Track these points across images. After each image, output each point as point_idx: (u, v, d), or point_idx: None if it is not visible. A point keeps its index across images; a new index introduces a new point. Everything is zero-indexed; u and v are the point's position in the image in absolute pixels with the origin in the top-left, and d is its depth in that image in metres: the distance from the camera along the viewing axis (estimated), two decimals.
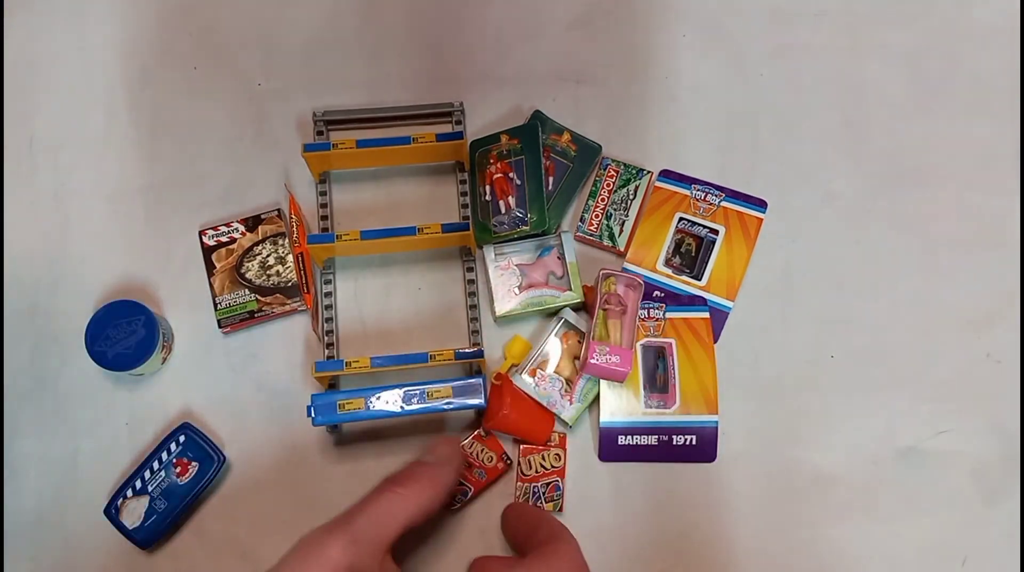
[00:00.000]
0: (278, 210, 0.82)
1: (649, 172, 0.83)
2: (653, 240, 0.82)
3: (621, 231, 0.82)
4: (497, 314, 0.79)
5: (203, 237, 0.81)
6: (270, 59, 0.86)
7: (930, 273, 0.82)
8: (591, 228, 0.82)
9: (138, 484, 0.75)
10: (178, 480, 0.75)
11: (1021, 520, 0.77)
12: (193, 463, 0.76)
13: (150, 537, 0.75)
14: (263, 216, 0.81)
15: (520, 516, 0.70)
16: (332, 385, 0.78)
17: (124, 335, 0.75)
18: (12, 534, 0.77)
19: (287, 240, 0.81)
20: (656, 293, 0.80)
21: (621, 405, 0.78)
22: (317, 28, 0.87)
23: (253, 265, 0.80)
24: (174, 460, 0.76)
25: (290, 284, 0.79)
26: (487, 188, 0.81)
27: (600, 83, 0.86)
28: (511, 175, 0.80)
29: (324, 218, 0.82)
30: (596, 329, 0.76)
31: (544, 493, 0.76)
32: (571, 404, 0.78)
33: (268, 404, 0.79)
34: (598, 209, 0.82)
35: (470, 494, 0.75)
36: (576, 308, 0.80)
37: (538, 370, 0.78)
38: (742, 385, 0.79)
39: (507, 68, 0.86)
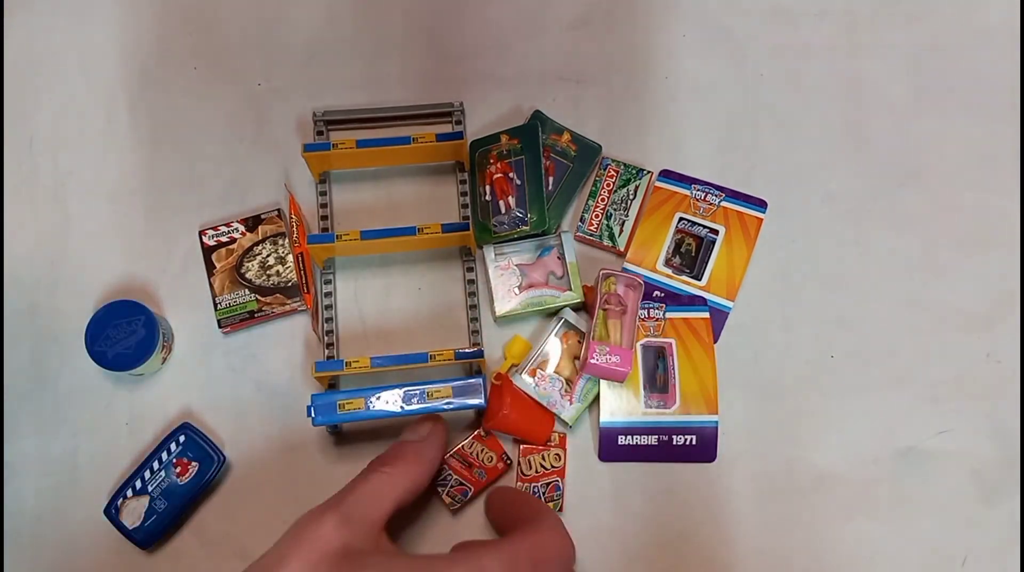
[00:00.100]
0: (278, 210, 0.82)
1: (649, 172, 0.83)
2: (653, 240, 0.82)
3: (621, 231, 0.82)
4: (497, 314, 0.79)
5: (203, 237, 0.81)
6: (270, 59, 0.86)
7: (930, 273, 0.82)
8: (591, 228, 0.82)
9: (138, 484, 0.75)
10: (178, 480, 0.75)
11: (1021, 520, 0.77)
12: (193, 463, 0.76)
13: (150, 537, 0.75)
14: (263, 216, 0.81)
15: (503, 499, 0.72)
16: (332, 385, 0.78)
17: (124, 335, 0.75)
18: (12, 534, 0.77)
19: (287, 240, 0.81)
20: (656, 293, 0.80)
21: (621, 405, 0.78)
22: (317, 28, 0.87)
23: (253, 265, 0.80)
24: (174, 460, 0.76)
25: (290, 284, 0.79)
26: (487, 188, 0.81)
27: (600, 83, 0.86)
28: (511, 175, 0.80)
29: (324, 218, 0.82)
30: (596, 329, 0.76)
31: (544, 493, 0.76)
32: (571, 404, 0.78)
33: (268, 404, 0.79)
34: (598, 209, 0.82)
35: (470, 494, 0.75)
36: (576, 308, 0.80)
37: (538, 370, 0.78)
38: (742, 385, 0.79)
39: (507, 68, 0.86)
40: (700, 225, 0.82)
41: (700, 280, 0.81)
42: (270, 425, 0.79)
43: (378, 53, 0.87)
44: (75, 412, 0.79)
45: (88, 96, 0.85)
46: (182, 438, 0.76)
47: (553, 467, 0.77)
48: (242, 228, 0.81)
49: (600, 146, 0.83)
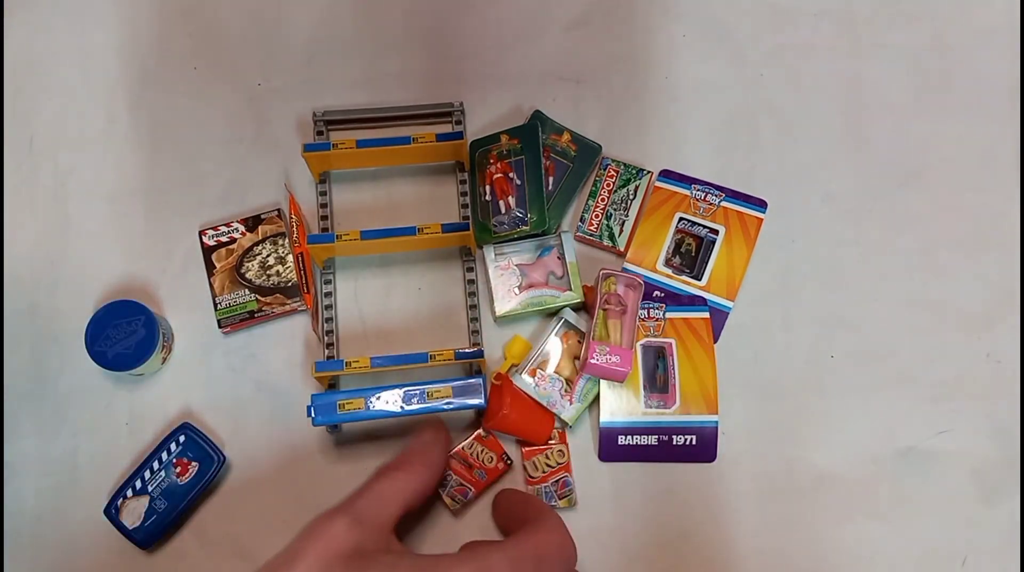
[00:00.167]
0: (278, 210, 0.82)
1: (649, 172, 0.83)
2: (653, 240, 0.82)
3: (621, 231, 0.82)
4: (497, 314, 0.79)
5: (203, 237, 0.81)
6: (270, 59, 0.86)
7: (930, 273, 0.82)
8: (591, 228, 0.82)
9: (138, 484, 0.75)
10: (178, 480, 0.75)
11: (1021, 520, 0.77)
12: (193, 463, 0.76)
13: (150, 537, 0.75)
14: (263, 216, 0.81)
15: (507, 500, 0.73)
16: (332, 385, 0.78)
17: (124, 335, 0.75)
18: (12, 534, 0.77)
19: (287, 240, 0.81)
20: (656, 293, 0.80)
21: (621, 405, 0.78)
22: (317, 28, 0.87)
23: (253, 265, 0.80)
24: (174, 460, 0.76)
25: (290, 284, 0.79)
26: (487, 188, 0.81)
27: (600, 83, 0.86)
28: (511, 175, 0.80)
29: (324, 218, 0.82)
30: (596, 329, 0.76)
31: (556, 491, 0.76)
32: (571, 404, 0.78)
33: (268, 404, 0.79)
34: (598, 209, 0.82)
35: (471, 495, 0.75)
36: (576, 308, 0.80)
37: (538, 370, 0.78)
38: (742, 385, 0.79)
39: (507, 68, 0.86)
40: (700, 225, 0.82)
41: (700, 280, 0.81)
42: (270, 425, 0.79)
43: (378, 53, 0.87)
44: (75, 412, 0.79)
45: (88, 96, 0.85)
46: (182, 438, 0.76)
47: (559, 464, 0.77)
48: (242, 228, 0.81)
49: (600, 146, 0.83)
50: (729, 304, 0.81)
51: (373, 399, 0.73)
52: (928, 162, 0.84)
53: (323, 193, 0.82)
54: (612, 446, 0.77)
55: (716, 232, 0.82)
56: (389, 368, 0.74)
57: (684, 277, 0.81)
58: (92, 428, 0.78)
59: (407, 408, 0.73)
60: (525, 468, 0.77)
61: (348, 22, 0.87)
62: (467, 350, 0.75)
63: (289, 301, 0.79)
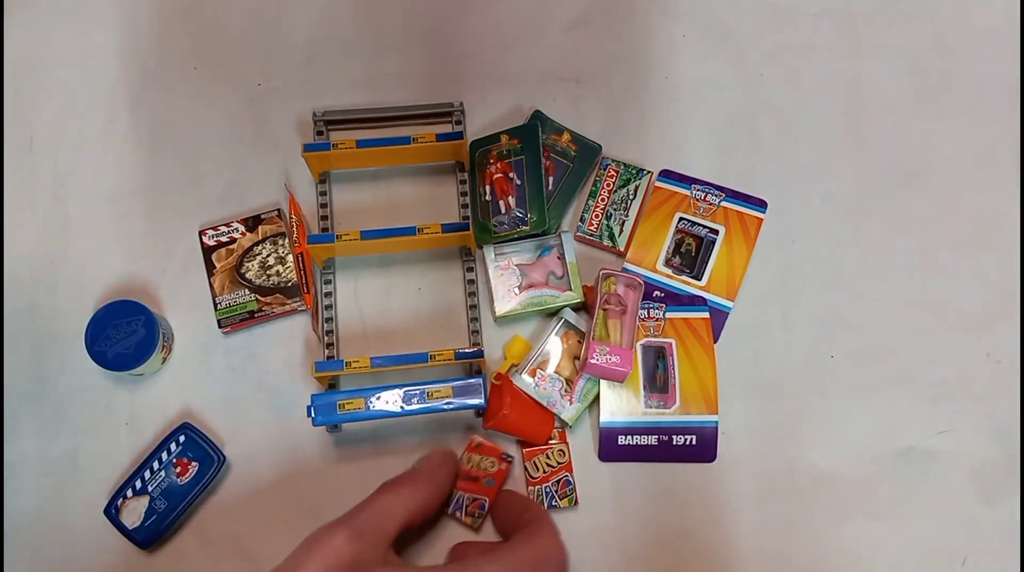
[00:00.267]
0: (278, 210, 0.82)
1: (649, 172, 0.83)
2: (653, 240, 0.82)
3: (621, 231, 0.82)
4: (497, 314, 0.79)
5: (203, 237, 0.81)
6: (270, 59, 0.86)
7: (930, 273, 0.82)
8: (591, 228, 0.82)
9: (138, 484, 0.75)
10: (178, 480, 0.75)
11: (1021, 520, 0.77)
12: (193, 463, 0.76)
13: (150, 537, 0.75)
14: (263, 216, 0.81)
15: (505, 504, 0.73)
16: (332, 385, 0.78)
17: (124, 335, 0.75)
18: (12, 534, 0.77)
19: (287, 240, 0.81)
20: (656, 293, 0.80)
21: (621, 405, 0.78)
22: (317, 28, 0.87)
23: (253, 265, 0.80)
24: (174, 460, 0.76)
25: (290, 284, 0.79)
26: (487, 188, 0.81)
27: (600, 83, 0.86)
28: (511, 175, 0.80)
29: (324, 218, 0.82)
30: (596, 329, 0.76)
31: (557, 491, 0.76)
32: (571, 404, 0.78)
33: (268, 404, 0.79)
34: (598, 209, 0.82)
35: (487, 506, 0.74)
36: (576, 308, 0.80)
37: (538, 370, 0.78)
38: (742, 385, 0.79)
39: (507, 68, 0.86)
40: (700, 225, 0.82)
41: (700, 280, 0.81)
42: (270, 425, 0.79)
43: (378, 53, 0.87)
44: (75, 412, 0.79)
45: (88, 96, 0.85)
46: (182, 438, 0.76)
47: (559, 464, 0.77)
48: (242, 228, 0.81)
49: (600, 146, 0.83)
50: (729, 304, 0.81)
51: (373, 399, 0.73)
52: (928, 162, 0.84)
53: (323, 193, 0.82)
54: (612, 446, 0.77)
55: (716, 232, 0.82)
56: (389, 368, 0.74)
57: (684, 277, 0.81)
58: (92, 428, 0.78)
59: (407, 408, 0.73)
60: (526, 468, 0.77)
61: (348, 22, 0.87)
62: (467, 350, 0.75)
63: (289, 301, 0.79)
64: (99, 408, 0.79)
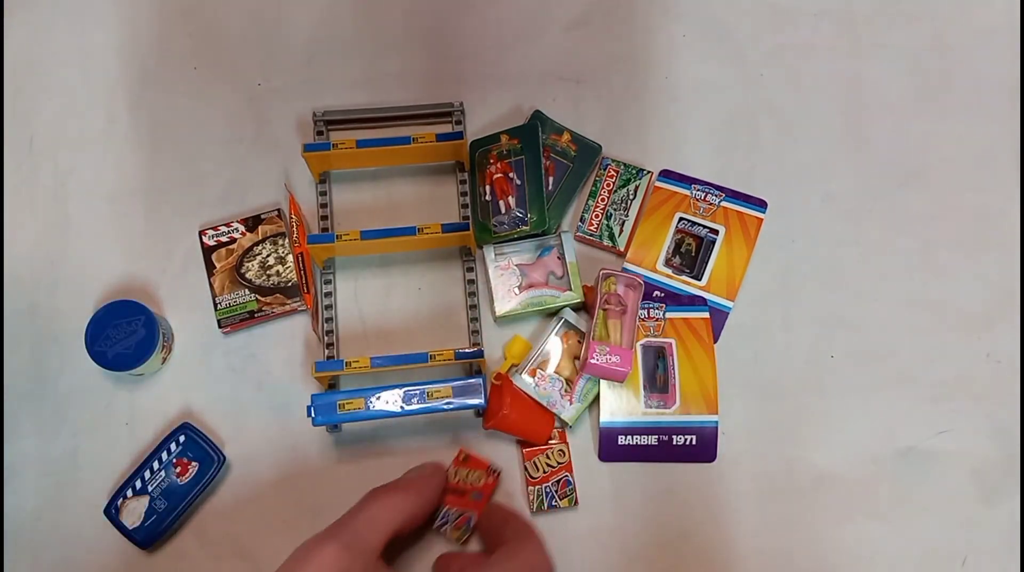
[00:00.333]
0: (278, 210, 0.82)
1: (649, 172, 0.83)
2: (653, 240, 0.82)
3: (621, 231, 0.82)
4: (497, 314, 0.79)
5: (203, 237, 0.81)
6: (270, 59, 0.86)
7: (930, 273, 0.82)
8: (591, 228, 0.82)
9: (138, 484, 0.75)
10: (178, 480, 0.75)
11: (1021, 520, 0.77)
12: (193, 463, 0.76)
13: (150, 537, 0.75)
14: (263, 216, 0.81)
15: (491, 518, 0.73)
16: (332, 385, 0.78)
17: (124, 335, 0.75)
18: (12, 534, 0.77)
19: (287, 240, 0.81)
20: (656, 293, 0.80)
21: (621, 405, 0.78)
22: (317, 28, 0.87)
23: (253, 265, 0.80)
24: (174, 460, 0.76)
25: (290, 284, 0.79)
26: (487, 188, 0.81)
27: (600, 83, 0.86)
28: (511, 175, 0.80)
29: (324, 218, 0.82)
30: (596, 329, 0.76)
31: (557, 491, 0.76)
32: (571, 404, 0.78)
33: (268, 404, 0.79)
34: (598, 209, 0.82)
35: (474, 520, 0.74)
36: (576, 308, 0.80)
37: (538, 370, 0.78)
38: (742, 385, 0.79)
39: (507, 68, 0.86)
40: (700, 225, 0.82)
41: (700, 280, 0.81)
42: (270, 425, 0.79)
43: (378, 53, 0.87)
44: (75, 412, 0.79)
45: (88, 96, 0.85)
46: (182, 438, 0.76)
47: (559, 464, 0.77)
48: (242, 228, 0.81)
49: (600, 146, 0.83)
50: (729, 304, 0.81)
51: (373, 399, 0.73)
52: (928, 162, 0.84)
53: (323, 193, 0.82)
54: (612, 446, 0.77)
55: (716, 232, 0.82)
56: (389, 368, 0.74)
57: (684, 277, 0.81)
58: (92, 428, 0.78)
59: (407, 408, 0.73)
60: (526, 468, 0.77)
61: (348, 22, 0.87)
62: (467, 350, 0.75)
63: (289, 301, 0.79)
64: (99, 408, 0.79)
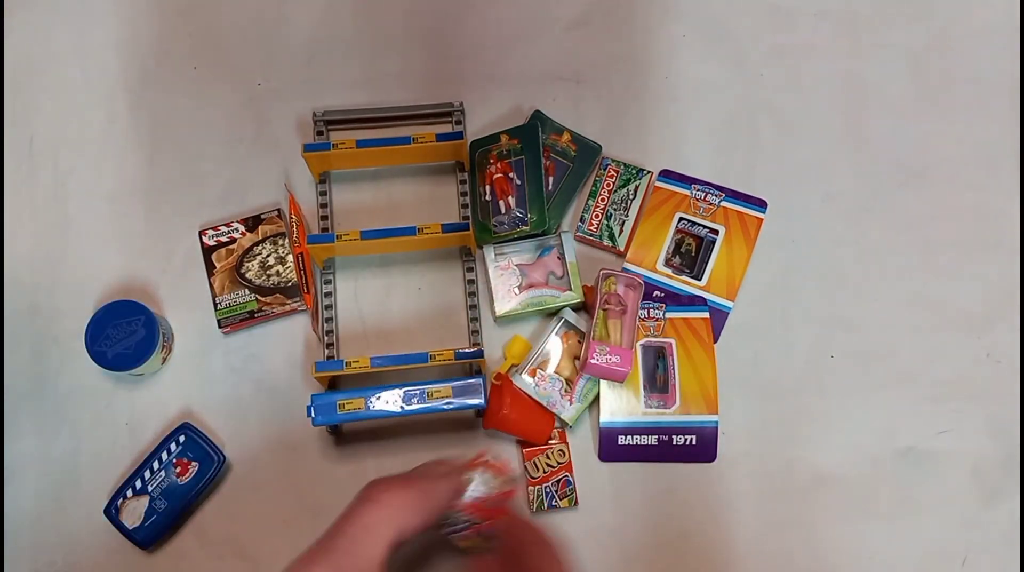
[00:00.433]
0: (278, 210, 0.82)
1: (649, 172, 0.83)
2: (653, 240, 0.82)
3: (621, 231, 0.82)
4: (497, 314, 0.79)
5: (203, 237, 0.81)
6: (270, 59, 0.86)
7: (930, 273, 0.82)
8: (591, 228, 0.82)
9: (138, 484, 0.75)
10: (178, 480, 0.75)
11: (1021, 520, 0.77)
12: (193, 463, 0.76)
13: (150, 537, 0.74)
14: (263, 216, 0.81)
15: (511, 532, 0.63)
16: (332, 385, 0.78)
17: (124, 335, 0.75)
18: (12, 534, 0.77)
19: (287, 240, 0.81)
20: (656, 293, 0.80)
21: (621, 405, 0.78)
22: (317, 28, 0.87)
23: (253, 265, 0.80)
24: (174, 460, 0.76)
25: (290, 284, 0.79)
26: (487, 188, 0.81)
27: (600, 83, 0.86)
28: (511, 175, 0.80)
29: (324, 218, 0.82)
30: (596, 329, 0.76)
31: (556, 491, 0.76)
32: (571, 404, 0.78)
33: (268, 404, 0.79)
34: (598, 209, 0.82)
35: (488, 531, 0.63)
36: (576, 308, 0.80)
37: (538, 370, 0.78)
38: (742, 385, 0.79)
39: (507, 68, 0.86)
40: (700, 225, 0.82)
41: (700, 280, 0.81)
42: (270, 425, 0.79)
43: (378, 53, 0.87)
44: (75, 412, 0.79)
45: (88, 96, 0.85)
46: (182, 438, 0.76)
47: (559, 463, 0.77)
48: (242, 228, 0.81)
49: (600, 146, 0.83)
50: (729, 304, 0.81)
51: (373, 399, 0.73)
52: (928, 162, 0.84)
53: (323, 193, 0.82)
54: (612, 446, 0.77)
55: (716, 232, 0.82)
56: (389, 368, 0.74)
57: (684, 277, 0.81)
58: (92, 428, 0.78)
59: (407, 408, 0.73)
60: (526, 468, 0.77)
61: (348, 22, 0.87)
62: (467, 350, 0.75)
63: (289, 301, 0.79)
64: (99, 408, 0.79)
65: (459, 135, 0.79)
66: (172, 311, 0.81)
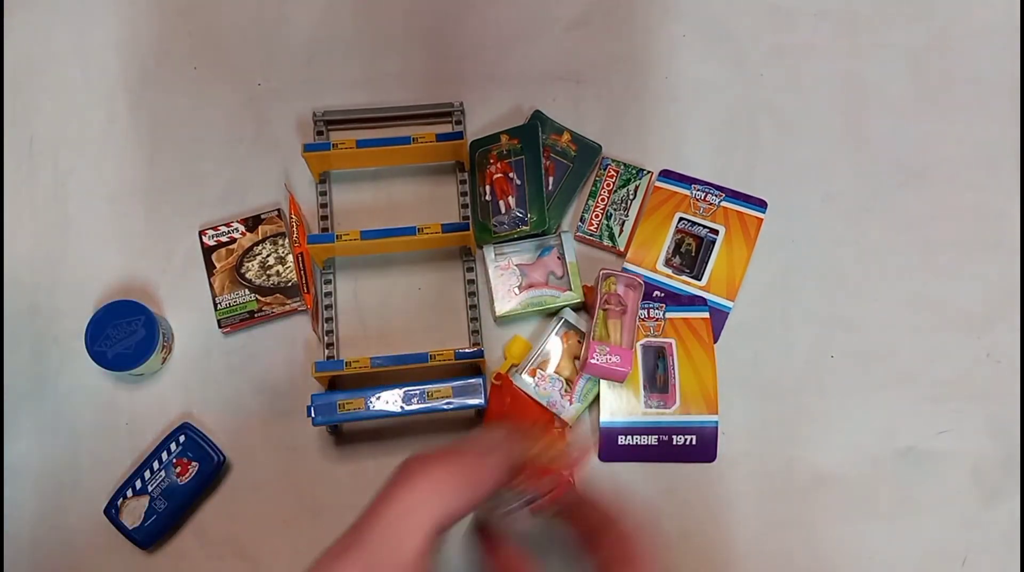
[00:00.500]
0: (278, 210, 0.82)
1: (649, 172, 0.83)
2: (653, 240, 0.82)
3: (621, 231, 0.82)
4: (497, 314, 0.79)
5: (203, 237, 0.81)
6: (270, 59, 0.86)
7: (930, 273, 0.82)
8: (591, 228, 0.82)
9: (138, 484, 0.75)
10: (178, 480, 0.75)
11: (1021, 520, 0.77)
12: (193, 463, 0.76)
13: (150, 537, 0.75)
14: (263, 216, 0.81)
15: (580, 508, 0.52)
16: (332, 385, 0.78)
17: (124, 335, 0.75)
18: (12, 534, 0.77)
19: (287, 240, 0.81)
20: (656, 293, 0.80)
21: (621, 405, 0.78)
22: (317, 28, 0.87)
23: (253, 265, 0.80)
24: (174, 460, 0.76)
25: (290, 284, 0.79)
26: (487, 188, 0.81)
27: (600, 83, 0.86)
28: (511, 175, 0.80)
29: (324, 218, 0.82)
30: (596, 329, 0.76)
31: None
32: (571, 404, 0.78)
33: (268, 404, 0.79)
34: (598, 209, 0.82)
35: (554, 507, 0.52)
36: (576, 308, 0.80)
37: (538, 370, 0.78)
38: (742, 385, 0.79)
39: (507, 68, 0.86)
40: (700, 225, 0.82)
41: (700, 280, 0.81)
42: (270, 425, 0.79)
43: (378, 53, 0.87)
44: (75, 412, 0.79)
45: (88, 96, 0.85)
46: (182, 438, 0.76)
47: None
48: (242, 228, 0.81)
49: (600, 146, 0.83)
50: (729, 304, 0.81)
51: (373, 399, 0.73)
52: (928, 162, 0.84)
53: (323, 193, 0.82)
54: (612, 446, 0.77)
55: (716, 232, 0.82)
56: (389, 368, 0.74)
57: (684, 277, 0.81)
58: (92, 428, 0.78)
59: (407, 408, 0.73)
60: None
61: (348, 22, 0.87)
62: (467, 350, 0.75)
63: (289, 301, 0.79)
64: (99, 408, 0.79)
65: (459, 135, 0.79)
66: (172, 311, 0.81)
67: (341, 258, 0.82)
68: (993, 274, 0.82)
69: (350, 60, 0.86)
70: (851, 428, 0.79)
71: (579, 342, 0.79)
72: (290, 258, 0.80)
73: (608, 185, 0.82)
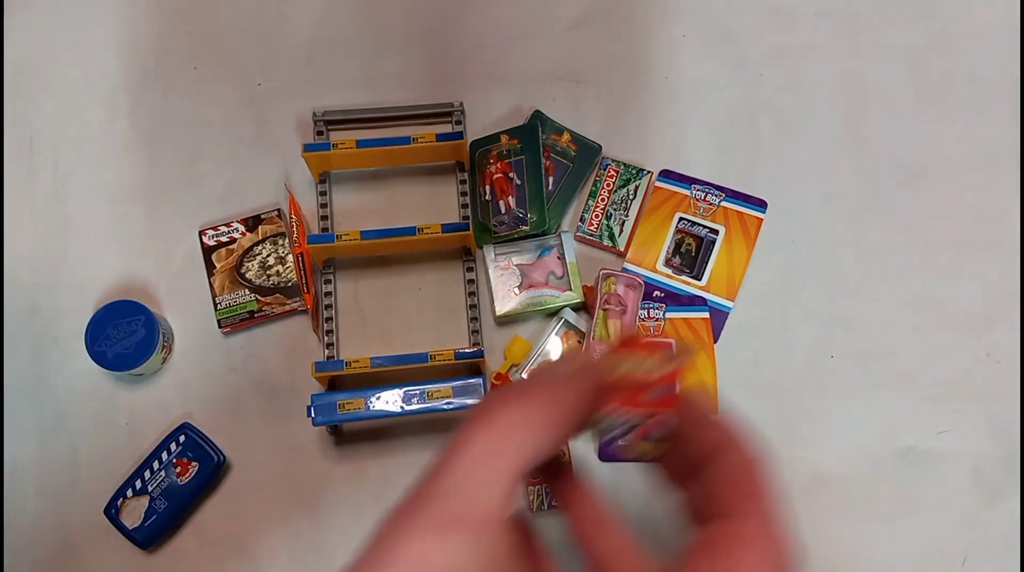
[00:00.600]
0: (278, 210, 0.82)
1: (649, 172, 0.83)
2: (653, 240, 0.82)
3: (621, 231, 0.82)
4: (497, 314, 0.79)
5: (203, 237, 0.81)
6: (270, 59, 0.86)
7: (930, 273, 0.82)
8: (591, 228, 0.82)
9: (138, 484, 0.75)
10: (178, 480, 0.75)
11: (1021, 520, 0.77)
12: (193, 463, 0.76)
13: (150, 537, 0.75)
14: (263, 216, 0.81)
15: (690, 425, 0.45)
16: (332, 385, 0.78)
17: (124, 335, 0.75)
18: (12, 534, 0.77)
19: (287, 240, 0.81)
20: (656, 293, 0.80)
21: None
22: (317, 28, 0.87)
23: (253, 265, 0.80)
24: (174, 460, 0.76)
25: (290, 284, 0.79)
26: (487, 188, 0.81)
27: (600, 83, 0.86)
28: (511, 175, 0.80)
29: (324, 218, 0.82)
30: (596, 329, 0.76)
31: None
32: None
33: (268, 404, 0.79)
34: (598, 209, 0.82)
35: (667, 426, 0.47)
36: (576, 308, 0.80)
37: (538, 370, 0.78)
38: (742, 385, 0.79)
39: (507, 68, 0.86)
40: (700, 225, 0.82)
41: (700, 280, 0.81)
42: (270, 425, 0.79)
43: (378, 53, 0.87)
44: (75, 412, 0.79)
45: (88, 96, 0.85)
46: (182, 438, 0.76)
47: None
48: (242, 228, 0.81)
49: (600, 146, 0.83)
50: (729, 304, 0.81)
51: (373, 399, 0.73)
52: (928, 162, 0.84)
53: (323, 193, 0.82)
54: (612, 446, 0.77)
55: (716, 232, 0.82)
56: (389, 368, 0.74)
57: (684, 277, 0.81)
58: (92, 428, 0.78)
59: (407, 408, 0.73)
60: None
61: (348, 22, 0.87)
62: (467, 350, 0.75)
63: (289, 301, 0.79)
64: (99, 408, 0.79)
65: (459, 135, 0.79)
66: (172, 311, 0.81)
67: (341, 258, 0.82)
68: (993, 274, 0.82)
69: (350, 60, 0.86)
70: (851, 428, 0.79)
71: (579, 342, 0.79)
72: (290, 258, 0.80)
73: (608, 185, 0.82)
